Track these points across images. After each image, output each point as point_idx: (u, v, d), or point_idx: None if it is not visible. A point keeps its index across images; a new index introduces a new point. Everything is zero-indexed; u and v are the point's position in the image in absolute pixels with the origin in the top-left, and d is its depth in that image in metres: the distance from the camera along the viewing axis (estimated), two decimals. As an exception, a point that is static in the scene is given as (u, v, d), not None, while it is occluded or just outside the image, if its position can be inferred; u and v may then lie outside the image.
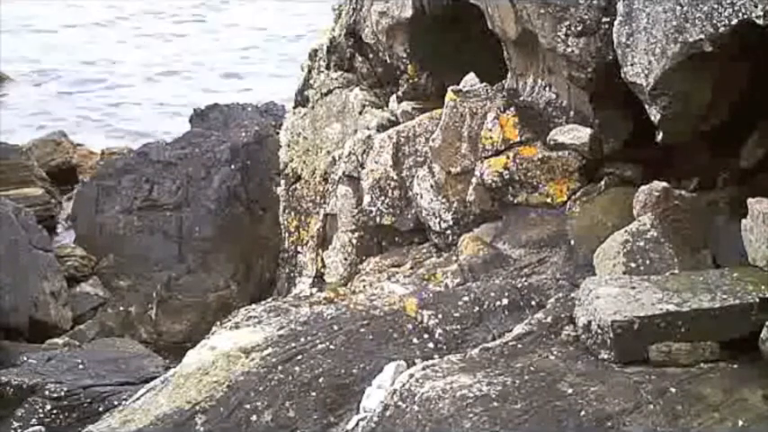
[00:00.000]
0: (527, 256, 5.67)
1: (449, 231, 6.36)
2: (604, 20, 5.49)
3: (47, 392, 6.17)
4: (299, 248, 8.15)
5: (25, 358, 6.83)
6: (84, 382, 6.37)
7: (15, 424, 5.99)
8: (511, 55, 6.25)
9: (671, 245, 4.82)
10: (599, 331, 4.23)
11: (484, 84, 6.36)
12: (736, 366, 4.10)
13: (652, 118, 5.14)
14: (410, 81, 7.49)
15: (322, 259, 7.55)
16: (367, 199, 6.94)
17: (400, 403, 4.10)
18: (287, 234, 8.41)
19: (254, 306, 5.82)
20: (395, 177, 6.84)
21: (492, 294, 5.06)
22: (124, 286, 10.28)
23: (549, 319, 4.59)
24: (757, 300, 4.19)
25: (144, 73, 18.75)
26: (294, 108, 8.61)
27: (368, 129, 7.36)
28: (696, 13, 4.70)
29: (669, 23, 4.83)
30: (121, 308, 10.02)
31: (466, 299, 5.04)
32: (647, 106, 5.15)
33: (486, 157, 6.05)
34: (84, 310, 10.02)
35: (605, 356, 4.20)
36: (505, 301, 5.02)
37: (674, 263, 4.76)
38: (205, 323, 9.14)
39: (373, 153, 6.99)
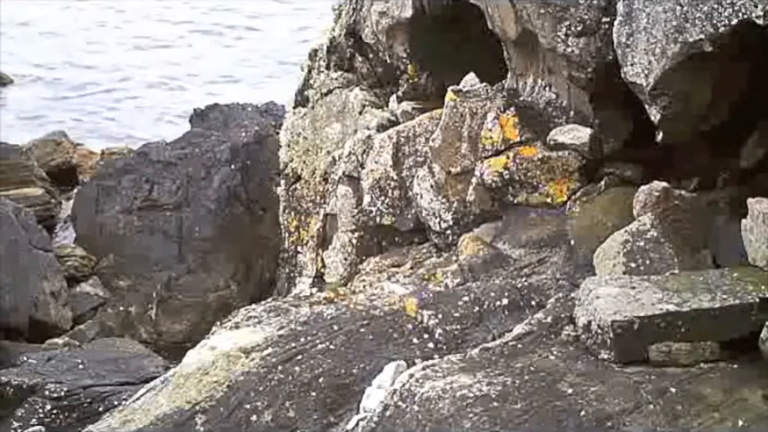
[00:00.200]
0: (527, 256, 5.66)
1: (449, 231, 6.35)
2: (604, 20, 5.49)
3: (47, 392, 6.16)
4: (299, 248, 8.15)
5: (25, 358, 6.82)
6: (84, 382, 6.36)
7: (15, 424, 5.99)
8: (511, 55, 6.25)
9: (671, 245, 4.82)
10: (599, 331, 4.23)
11: (484, 84, 6.36)
12: (736, 366, 4.10)
13: (652, 118, 5.14)
14: (410, 81, 7.49)
15: (322, 259, 7.55)
16: (367, 199, 6.94)
17: (400, 403, 4.10)
18: (287, 234, 8.41)
19: (254, 306, 5.82)
20: (395, 177, 6.84)
21: (492, 294, 5.06)
22: (124, 286, 10.28)
23: (549, 319, 4.59)
24: (757, 300, 4.19)
25: (144, 76, 18.74)
26: (294, 108, 8.60)
27: (368, 129, 7.36)
28: (696, 13, 4.70)
29: (669, 23, 4.83)
30: (121, 308, 10.02)
31: (466, 299, 5.04)
32: (647, 106, 5.14)
33: (486, 157, 6.04)
34: (84, 310, 10.02)
35: (605, 356, 4.20)
36: (505, 301, 5.02)
37: (674, 263, 4.76)
38: (205, 323, 9.13)
39: (373, 153, 6.99)
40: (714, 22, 4.63)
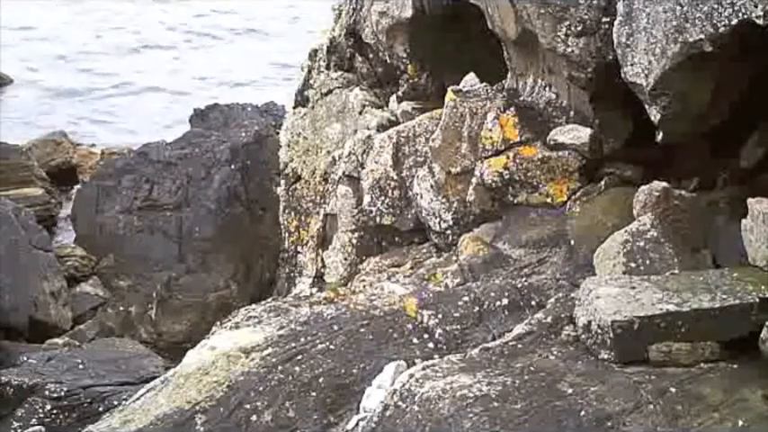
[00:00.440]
0: (527, 256, 5.67)
1: (449, 231, 6.36)
2: (604, 20, 5.49)
3: (47, 392, 6.17)
4: (299, 248, 8.15)
5: (25, 358, 6.83)
6: (84, 382, 6.36)
7: (15, 424, 5.99)
8: (511, 55, 6.26)
9: (671, 245, 4.82)
10: (599, 331, 4.23)
11: (484, 84, 6.36)
12: (736, 366, 4.10)
13: (652, 118, 5.14)
14: (410, 81, 7.50)
15: (322, 259, 7.55)
16: (367, 199, 6.94)
17: (400, 403, 4.09)
18: (287, 234, 8.41)
19: (254, 306, 5.82)
20: (395, 177, 6.84)
21: (492, 294, 5.06)
22: (124, 286, 10.29)
23: (549, 319, 4.59)
24: (757, 300, 4.19)
25: (144, 77, 18.73)
26: (294, 108, 8.61)
27: (368, 129, 7.37)
28: (696, 13, 4.70)
29: (669, 23, 4.83)
30: (121, 308, 10.03)
31: (466, 299, 5.04)
32: (647, 106, 5.14)
33: (486, 157, 6.05)
34: (84, 310, 10.03)
35: (605, 356, 4.20)
36: (505, 301, 5.02)
37: (674, 263, 4.76)
38: (205, 323, 9.14)
39: (373, 153, 6.99)
40: (714, 22, 4.63)
